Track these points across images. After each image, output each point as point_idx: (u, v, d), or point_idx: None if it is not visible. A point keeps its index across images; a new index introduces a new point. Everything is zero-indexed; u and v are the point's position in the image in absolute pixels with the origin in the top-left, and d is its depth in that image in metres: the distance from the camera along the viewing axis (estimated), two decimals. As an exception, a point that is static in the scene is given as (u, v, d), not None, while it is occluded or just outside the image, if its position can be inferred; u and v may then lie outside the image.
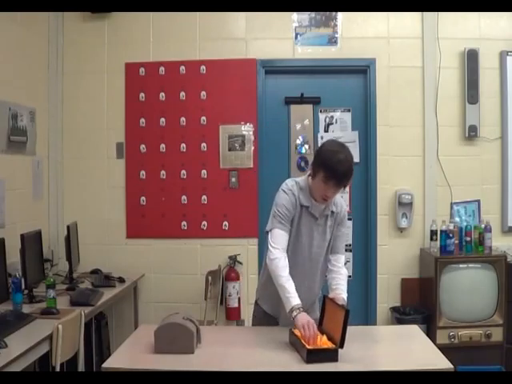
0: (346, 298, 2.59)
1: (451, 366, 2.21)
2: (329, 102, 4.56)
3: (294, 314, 2.45)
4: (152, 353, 2.35)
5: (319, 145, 4.47)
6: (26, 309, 3.16)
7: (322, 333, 2.44)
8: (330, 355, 2.26)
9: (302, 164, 4.58)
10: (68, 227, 4.09)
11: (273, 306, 2.77)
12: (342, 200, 2.76)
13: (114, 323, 4.50)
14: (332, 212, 2.66)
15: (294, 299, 2.47)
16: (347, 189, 4.49)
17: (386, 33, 4.47)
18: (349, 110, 4.55)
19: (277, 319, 2.80)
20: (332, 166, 2.43)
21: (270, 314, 2.82)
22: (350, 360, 2.27)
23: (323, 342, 2.35)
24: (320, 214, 2.62)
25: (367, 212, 4.51)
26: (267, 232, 2.63)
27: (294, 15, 4.49)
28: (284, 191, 2.63)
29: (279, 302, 2.59)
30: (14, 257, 3.50)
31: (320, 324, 2.55)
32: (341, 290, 2.62)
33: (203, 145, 4.52)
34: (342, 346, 2.27)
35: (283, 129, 4.57)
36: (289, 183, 2.65)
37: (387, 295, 4.45)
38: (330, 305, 2.54)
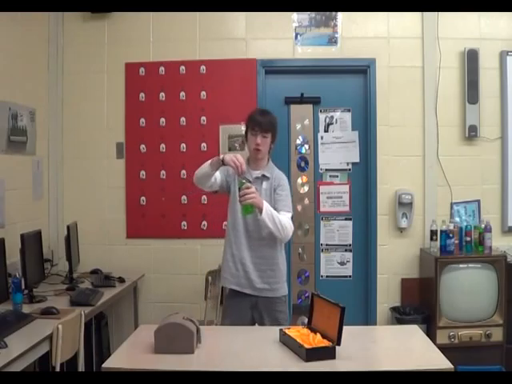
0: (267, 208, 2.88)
1: (451, 366, 2.22)
2: (329, 102, 4.55)
3: (220, 156, 2.91)
4: (152, 353, 2.35)
5: (319, 145, 4.57)
6: (26, 309, 3.15)
7: (313, 331, 2.45)
8: (328, 352, 2.28)
9: (302, 164, 4.58)
10: (68, 227, 4.09)
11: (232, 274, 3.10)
12: (279, 171, 3.15)
13: (113, 323, 4.50)
14: (264, 175, 3.06)
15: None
16: (347, 188, 4.52)
17: (386, 33, 4.46)
18: (349, 110, 4.55)
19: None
20: (254, 117, 3.04)
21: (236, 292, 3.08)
22: (351, 360, 2.27)
23: (318, 341, 2.36)
24: (253, 177, 3.03)
25: (367, 212, 4.51)
26: None
27: (294, 15, 4.49)
28: None
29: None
30: (14, 257, 3.50)
31: (309, 323, 2.56)
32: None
33: (203, 145, 4.52)
34: (338, 343, 2.29)
35: (283, 129, 4.55)
36: None
37: (387, 295, 4.45)
38: (320, 303, 2.54)
